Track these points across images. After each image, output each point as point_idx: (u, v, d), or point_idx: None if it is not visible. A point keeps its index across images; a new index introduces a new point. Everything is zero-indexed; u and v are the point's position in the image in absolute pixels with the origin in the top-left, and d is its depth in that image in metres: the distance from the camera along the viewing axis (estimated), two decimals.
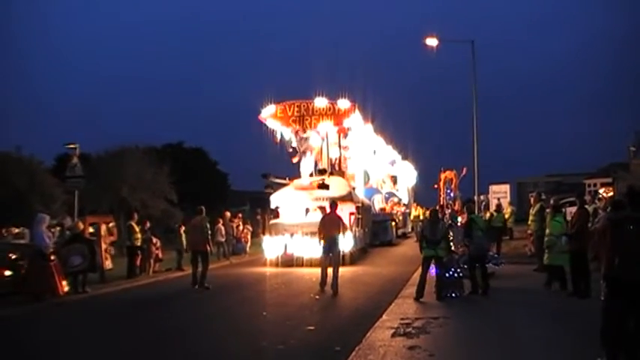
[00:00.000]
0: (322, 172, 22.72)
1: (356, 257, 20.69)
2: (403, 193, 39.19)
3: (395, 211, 33.50)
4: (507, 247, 21.42)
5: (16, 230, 22.79)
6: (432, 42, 25.11)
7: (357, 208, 21.85)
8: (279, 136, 23.74)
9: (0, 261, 14.02)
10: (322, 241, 14.37)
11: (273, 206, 21.57)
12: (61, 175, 23.87)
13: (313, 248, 17.22)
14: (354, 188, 24.32)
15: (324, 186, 20.82)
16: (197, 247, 15.23)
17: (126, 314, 11.97)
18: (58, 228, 15.94)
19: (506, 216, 25.08)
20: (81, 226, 15.59)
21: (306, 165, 23.05)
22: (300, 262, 19.09)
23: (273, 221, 21.07)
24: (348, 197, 21.15)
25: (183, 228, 20.95)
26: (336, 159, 25.55)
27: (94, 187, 26.69)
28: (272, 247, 20.01)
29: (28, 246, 14.92)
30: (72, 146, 18.96)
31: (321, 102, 23.48)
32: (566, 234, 11.80)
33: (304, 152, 23.04)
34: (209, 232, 15.72)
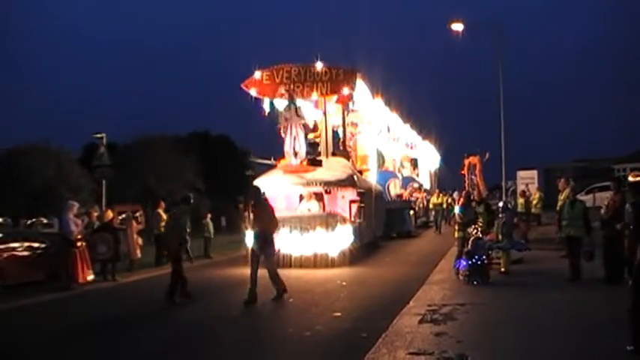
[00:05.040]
0: (313, 146, 19.10)
1: (358, 255, 17.11)
2: (425, 177, 36.18)
3: (414, 198, 29.83)
4: (536, 233, 21.22)
5: (45, 220, 23.15)
6: (457, 26, 24.85)
7: (361, 194, 18.38)
8: (267, 108, 19.50)
9: (29, 249, 14.28)
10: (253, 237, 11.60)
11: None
12: (88, 165, 24.18)
13: (304, 245, 15.78)
14: (360, 171, 21.16)
15: (315, 162, 17.92)
16: (170, 248, 12.16)
17: (152, 302, 12.01)
18: (86, 216, 16.09)
19: (534, 202, 24.96)
20: (110, 214, 15.73)
21: (296, 142, 18.29)
22: (287, 262, 15.68)
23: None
24: (349, 181, 17.73)
25: (209, 216, 21.14)
26: (339, 137, 22.13)
27: (121, 176, 26.95)
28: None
29: (56, 234, 15.14)
30: (99, 136, 19.20)
31: (315, 66, 19.23)
32: (600, 218, 11.61)
33: (294, 126, 18.26)
34: (187, 229, 11.98)
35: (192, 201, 12.65)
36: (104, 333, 9.25)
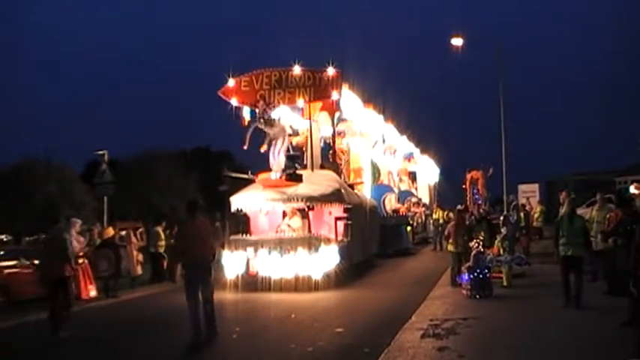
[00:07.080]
0: (293, 158, 17.65)
1: (346, 276, 15.52)
2: (423, 192, 34.96)
3: (412, 213, 28.18)
4: (537, 247, 21.18)
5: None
6: (457, 41, 24.91)
7: (349, 210, 16.79)
8: (247, 117, 17.52)
9: (33, 266, 14.29)
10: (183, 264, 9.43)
11: (234, 209, 16.32)
12: (90, 182, 24.23)
13: (284, 266, 14.46)
14: (352, 185, 19.88)
15: (294, 176, 16.21)
16: (52, 273, 10.49)
17: (152, 319, 12.05)
18: (88, 233, 16.14)
19: (536, 215, 24.95)
20: (111, 231, 15.76)
21: (276, 154, 16.47)
22: (266, 285, 14.58)
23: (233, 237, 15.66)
24: (335, 196, 16.06)
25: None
26: (329, 148, 20.62)
27: (123, 193, 26.98)
28: (232, 264, 15.00)
29: None
30: (101, 152, 19.25)
31: (298, 70, 17.58)
32: (602, 231, 11.60)
33: (275, 138, 16.41)
34: (68, 250, 10.64)
35: (61, 221, 11.83)
36: (103, 348, 9.31)
